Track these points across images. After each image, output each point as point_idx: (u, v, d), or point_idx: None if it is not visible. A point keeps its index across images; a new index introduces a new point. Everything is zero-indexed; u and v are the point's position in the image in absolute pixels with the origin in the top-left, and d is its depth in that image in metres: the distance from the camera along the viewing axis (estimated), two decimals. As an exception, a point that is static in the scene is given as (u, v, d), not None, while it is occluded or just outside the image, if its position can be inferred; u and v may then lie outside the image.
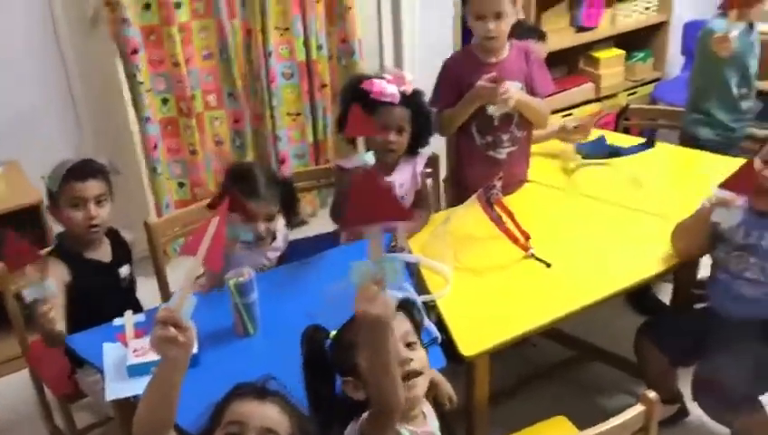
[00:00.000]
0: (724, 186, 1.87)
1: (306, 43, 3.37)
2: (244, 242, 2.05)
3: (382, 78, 2.22)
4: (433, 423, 1.59)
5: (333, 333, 1.55)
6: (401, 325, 1.52)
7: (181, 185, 3.35)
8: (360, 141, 2.11)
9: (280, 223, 2.17)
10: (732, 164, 2.01)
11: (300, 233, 3.35)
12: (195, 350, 1.72)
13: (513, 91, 2.28)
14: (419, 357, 1.51)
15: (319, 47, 3.41)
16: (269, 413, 1.28)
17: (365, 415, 1.41)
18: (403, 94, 2.21)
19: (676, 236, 2.09)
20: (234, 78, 3.25)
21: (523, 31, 2.62)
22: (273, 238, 2.17)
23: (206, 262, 1.25)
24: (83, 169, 2.03)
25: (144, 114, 3.10)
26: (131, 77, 3.03)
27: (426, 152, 2.41)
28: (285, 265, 2.19)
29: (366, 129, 2.03)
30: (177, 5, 3.05)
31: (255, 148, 3.48)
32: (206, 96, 3.29)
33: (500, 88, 2.23)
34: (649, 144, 2.68)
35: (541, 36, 2.79)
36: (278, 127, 3.45)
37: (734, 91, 2.80)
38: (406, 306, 1.58)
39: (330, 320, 1.58)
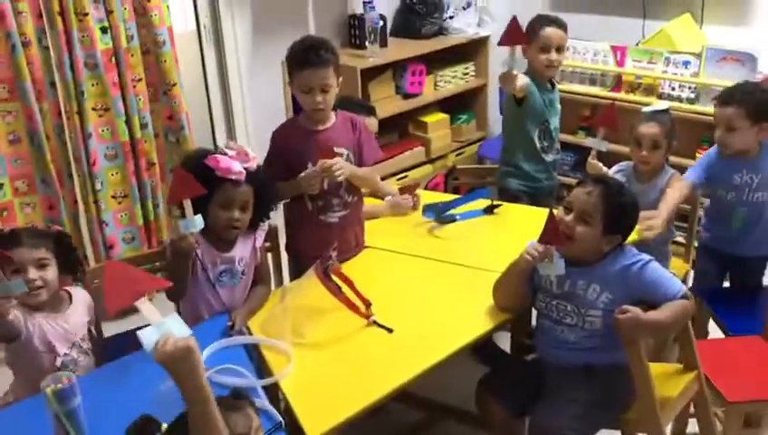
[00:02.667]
0: (541, 240, 1.99)
1: (129, 123, 3.25)
2: (18, 297, 1.91)
3: (225, 154, 2.16)
4: None
5: (165, 426, 1.44)
6: (252, 420, 1.46)
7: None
8: (188, 210, 2.02)
9: (79, 294, 2.17)
10: (539, 214, 2.13)
11: (137, 321, 3.17)
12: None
13: (344, 165, 2.34)
14: None
15: (143, 126, 3.30)
16: None
17: None
18: (247, 171, 2.17)
19: (496, 291, 2.17)
20: (46, 162, 3.04)
21: (352, 106, 2.69)
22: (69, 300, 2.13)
23: None
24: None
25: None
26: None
27: (264, 226, 2.37)
28: (115, 362, 2.03)
29: (192, 190, 2.00)
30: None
31: (74, 234, 3.25)
32: (15, 182, 3.06)
33: (330, 166, 2.28)
34: (489, 211, 2.75)
35: (370, 111, 2.86)
36: (103, 211, 3.27)
37: (537, 144, 3.00)
38: (241, 397, 1.51)
39: (165, 416, 1.47)
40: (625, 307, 1.91)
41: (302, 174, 2.33)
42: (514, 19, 2.56)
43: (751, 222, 2.65)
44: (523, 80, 2.79)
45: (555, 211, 2.07)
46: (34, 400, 1.75)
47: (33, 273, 1.97)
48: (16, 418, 1.81)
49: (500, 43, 2.59)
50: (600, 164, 2.82)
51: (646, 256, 2.05)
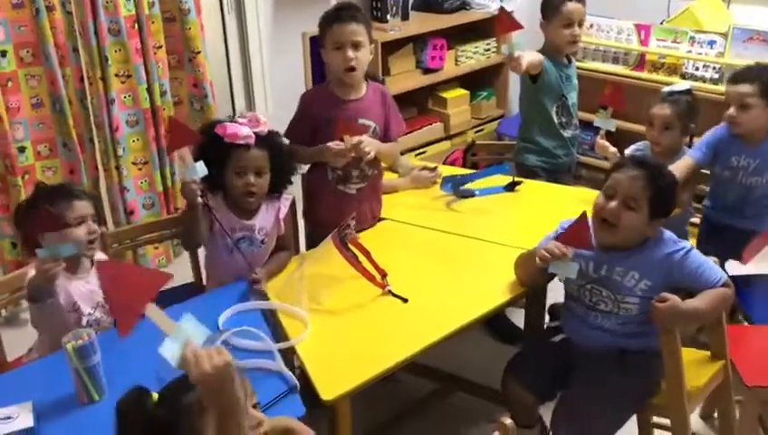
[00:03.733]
0: (562, 240, 1.96)
1: (150, 90, 3.27)
2: (67, 259, 1.92)
3: (235, 121, 2.18)
4: None
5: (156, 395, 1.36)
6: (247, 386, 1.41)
7: (14, 245, 3.10)
8: (188, 159, 2.05)
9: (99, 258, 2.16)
10: (557, 190, 2.11)
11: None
12: (31, 424, 1.59)
13: (372, 142, 2.35)
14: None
15: (162, 93, 3.32)
16: None
17: None
18: (258, 135, 2.18)
19: (518, 267, 2.16)
20: (68, 127, 3.07)
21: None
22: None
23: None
24: None
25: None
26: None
27: (289, 196, 2.37)
28: (139, 322, 2.06)
29: (188, 139, 2.03)
30: (3, 54, 2.87)
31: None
32: (38, 146, 3.10)
33: (358, 143, 2.29)
34: (511, 188, 2.73)
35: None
36: (125, 177, 3.30)
37: (555, 119, 2.98)
38: None
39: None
40: (664, 295, 1.86)
41: (331, 145, 2.31)
42: (502, 9, 2.61)
43: (743, 200, 2.68)
44: (531, 57, 2.77)
45: (588, 213, 1.98)
46: (56, 356, 1.80)
47: (92, 226, 2.03)
48: (39, 373, 1.86)
49: (495, 33, 2.60)
50: (608, 144, 2.80)
51: (687, 244, 2.00)
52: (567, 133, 3.03)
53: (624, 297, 2.00)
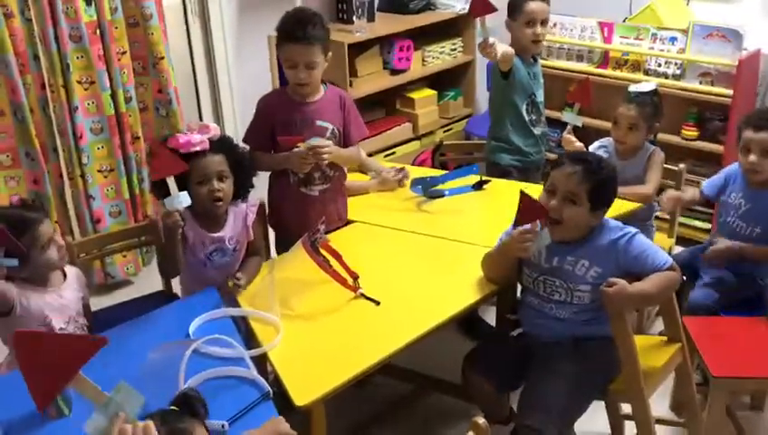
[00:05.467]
0: (517, 223, 2.02)
1: (114, 97, 3.22)
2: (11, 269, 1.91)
3: (186, 133, 2.19)
4: None
5: None
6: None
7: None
8: (173, 188, 2.03)
9: (71, 270, 2.16)
10: (531, 189, 2.15)
11: (124, 295, 3.18)
12: (-2, 441, 1.56)
13: (326, 145, 2.34)
14: None
15: (128, 99, 3.28)
16: None
17: None
18: (211, 141, 2.19)
19: (485, 265, 2.19)
20: (30, 136, 3.02)
21: None
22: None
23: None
24: None
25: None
26: None
27: (255, 202, 2.38)
28: (109, 331, 2.04)
29: (175, 167, 2.01)
30: (-39, 63, 2.82)
31: (59, 208, 3.24)
32: (0, 156, 3.04)
33: (317, 146, 2.30)
34: (479, 187, 2.76)
35: None
36: (90, 185, 3.25)
37: (526, 117, 3.01)
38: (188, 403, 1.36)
39: (150, 389, 1.47)
40: (611, 280, 1.94)
41: (293, 151, 2.33)
42: None
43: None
44: (504, 48, 2.79)
45: (537, 190, 2.07)
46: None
47: (59, 240, 2.03)
48: (7, 387, 1.82)
49: (471, 15, 2.60)
50: (575, 138, 2.84)
51: (632, 229, 2.07)
52: (537, 131, 3.06)
53: (576, 286, 2.05)
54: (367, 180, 2.84)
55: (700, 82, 3.51)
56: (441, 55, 4.36)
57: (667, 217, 3.02)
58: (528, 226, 2.01)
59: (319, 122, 2.42)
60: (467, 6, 4.28)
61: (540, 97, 3.05)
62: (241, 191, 2.30)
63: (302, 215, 2.28)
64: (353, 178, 2.78)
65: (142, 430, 1.14)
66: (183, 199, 2.05)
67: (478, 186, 2.75)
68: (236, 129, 3.74)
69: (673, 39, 3.56)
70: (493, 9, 2.65)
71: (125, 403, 1.19)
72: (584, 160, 2.06)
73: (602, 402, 2.22)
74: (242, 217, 2.31)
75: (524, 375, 2.10)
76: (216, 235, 2.25)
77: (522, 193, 2.01)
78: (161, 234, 2.59)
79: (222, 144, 2.23)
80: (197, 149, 2.14)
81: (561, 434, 1.94)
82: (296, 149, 2.33)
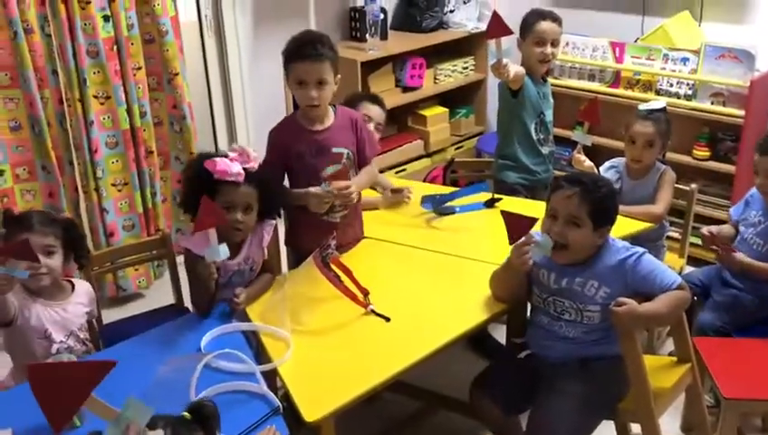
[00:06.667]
0: (511, 241, 2.04)
1: (129, 111, 3.26)
2: (21, 281, 1.93)
3: (226, 156, 2.16)
4: None
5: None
6: None
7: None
8: (213, 239, 2.02)
9: (81, 285, 2.18)
10: (537, 207, 2.16)
11: (136, 308, 3.20)
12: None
13: (352, 189, 2.33)
14: None
15: (143, 114, 3.32)
16: None
17: None
18: (248, 172, 2.15)
19: (492, 283, 2.19)
20: (47, 149, 3.06)
21: (360, 97, 2.78)
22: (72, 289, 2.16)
23: None
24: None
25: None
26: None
27: (271, 223, 2.34)
28: (120, 344, 2.06)
29: (217, 219, 2.01)
30: (-20, 77, 2.87)
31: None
32: (17, 169, 3.08)
33: (344, 188, 2.29)
34: (490, 205, 2.75)
35: (375, 100, 2.86)
36: (104, 198, 3.29)
37: (534, 136, 3.02)
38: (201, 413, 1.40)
39: (161, 403, 1.48)
40: (621, 299, 1.93)
41: (312, 191, 2.31)
42: (495, 14, 2.62)
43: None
44: (516, 68, 2.81)
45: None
46: (36, 382, 1.78)
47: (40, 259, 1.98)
48: (18, 400, 1.83)
49: (486, 37, 2.62)
50: (585, 158, 2.84)
51: (640, 249, 2.07)
52: (545, 150, 3.07)
53: (586, 306, 2.06)
54: (376, 196, 2.85)
55: (712, 103, 3.51)
56: (453, 73, 4.39)
57: (678, 237, 3.02)
58: (523, 239, 2.02)
59: (334, 149, 2.40)
60: (480, 25, 4.34)
61: (549, 117, 3.07)
62: (264, 217, 2.28)
63: (321, 239, 2.22)
64: (363, 195, 2.79)
65: None
66: (222, 252, 2.03)
67: (490, 203, 2.76)
68: (250, 145, 3.76)
69: (685, 60, 3.57)
70: (509, 32, 2.67)
71: (135, 417, 1.23)
72: (580, 182, 2.05)
73: (611, 422, 2.21)
74: (258, 239, 2.29)
75: (532, 397, 2.08)
76: (234, 261, 2.21)
77: (503, 212, 2.04)
78: (173, 249, 2.62)
79: (257, 178, 2.18)
80: (232, 179, 2.11)
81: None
82: (313, 190, 2.31)
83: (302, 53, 2.28)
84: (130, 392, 1.40)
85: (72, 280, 2.20)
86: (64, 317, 2.08)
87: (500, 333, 2.80)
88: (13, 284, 1.88)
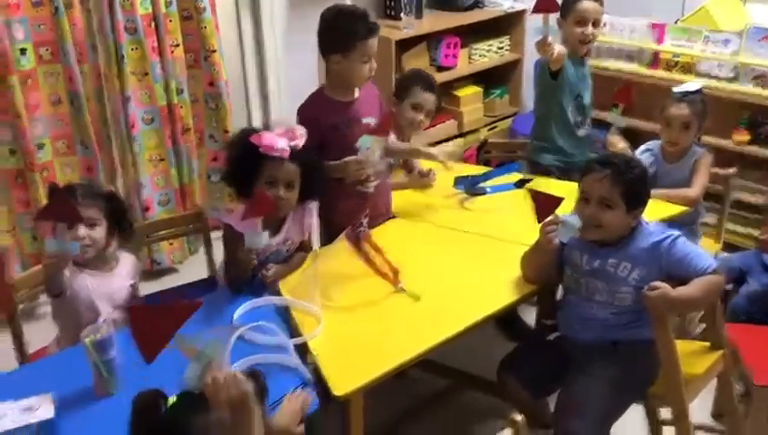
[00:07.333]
0: (539, 219, 2.05)
1: (166, 88, 3.30)
2: (71, 257, 1.96)
3: (271, 131, 2.16)
4: None
5: (172, 399, 1.38)
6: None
7: (35, 238, 3.15)
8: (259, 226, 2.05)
9: (126, 258, 2.21)
10: (570, 188, 2.15)
11: (170, 282, 3.26)
12: (52, 415, 1.63)
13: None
14: None
15: (179, 91, 3.36)
16: None
17: None
18: (293, 149, 2.15)
19: (523, 264, 2.19)
20: (85, 124, 3.12)
21: (416, 82, 2.77)
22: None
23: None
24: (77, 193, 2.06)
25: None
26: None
27: (313, 205, 2.35)
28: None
29: (268, 210, 2.03)
30: (23, 51, 2.92)
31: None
32: (56, 142, 3.14)
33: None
34: (521, 185, 2.72)
35: (429, 87, 2.82)
36: (141, 174, 3.34)
37: (571, 118, 2.99)
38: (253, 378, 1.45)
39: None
40: (654, 283, 1.91)
41: (350, 159, 2.33)
42: None
43: None
44: (560, 48, 2.77)
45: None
46: (75, 349, 1.85)
47: (82, 230, 2.02)
48: (58, 365, 1.91)
49: (533, 11, 2.58)
50: (620, 139, 2.80)
51: (675, 232, 2.05)
52: (581, 132, 3.03)
53: (618, 287, 2.04)
54: (401, 176, 2.84)
55: (754, 86, 3.43)
56: (488, 53, 4.35)
57: (714, 222, 2.97)
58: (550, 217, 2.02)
59: (364, 120, 2.43)
60: (516, 5, 4.28)
61: (587, 99, 3.03)
62: (304, 199, 2.27)
63: (354, 210, 2.26)
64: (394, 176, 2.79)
65: (230, 376, 1.28)
66: (264, 241, 2.07)
67: (520, 184, 2.74)
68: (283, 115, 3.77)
69: (727, 41, 3.48)
70: (557, 8, 2.63)
71: (214, 355, 1.33)
72: (612, 163, 2.03)
73: (640, 405, 2.20)
74: (299, 222, 2.30)
75: (561, 379, 2.08)
76: (274, 241, 2.22)
77: (531, 191, 2.05)
78: (208, 224, 2.65)
79: (302, 156, 2.17)
80: (277, 154, 2.12)
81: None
82: (349, 159, 2.33)
83: (371, 28, 2.32)
84: (166, 361, 1.44)
85: (116, 252, 2.23)
86: (110, 289, 2.13)
87: (530, 316, 2.80)
88: (68, 260, 1.93)
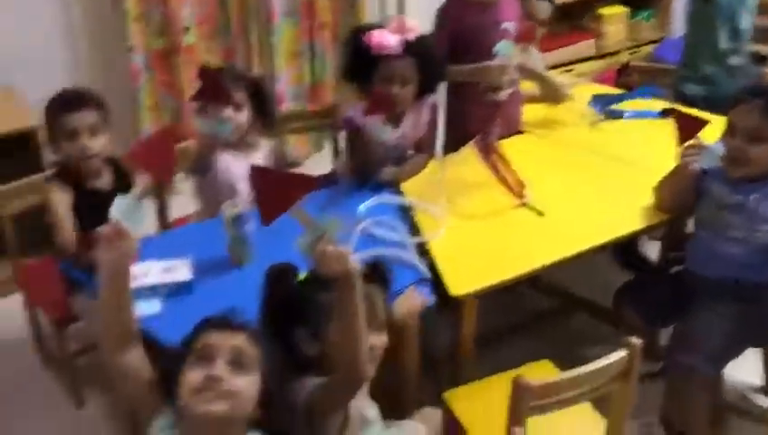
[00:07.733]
0: (680, 141, 1.97)
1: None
2: (222, 138, 2.05)
3: (382, 28, 2.15)
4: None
5: (303, 275, 1.48)
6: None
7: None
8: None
9: (265, 145, 2.24)
10: (714, 120, 2.03)
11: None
12: (190, 277, 1.77)
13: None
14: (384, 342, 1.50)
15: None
16: (238, 341, 1.26)
17: (318, 381, 1.39)
18: (406, 43, 2.13)
19: (658, 190, 2.11)
20: (229, 11, 3.19)
21: None
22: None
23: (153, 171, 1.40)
24: (74, 100, 2.03)
25: (129, 43, 3.03)
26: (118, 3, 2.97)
27: (430, 101, 2.35)
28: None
29: (386, 107, 2.06)
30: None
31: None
32: (201, 26, 3.24)
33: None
34: (665, 114, 2.59)
35: None
36: (276, 66, 3.42)
37: (723, 44, 2.78)
38: (377, 269, 1.53)
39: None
40: None
41: (490, 63, 2.28)
42: None
43: None
44: None
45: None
46: (214, 221, 1.98)
47: (228, 112, 2.09)
48: (197, 234, 2.07)
49: None
50: None
51: None
52: (734, 61, 2.81)
53: (757, 225, 1.94)
54: (531, 88, 2.76)
55: None
56: (640, -30, 4.08)
57: None
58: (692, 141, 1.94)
59: (504, 25, 2.36)
60: None
61: (744, 24, 2.78)
62: (423, 93, 2.26)
63: (485, 118, 2.24)
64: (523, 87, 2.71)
65: (338, 251, 1.29)
66: (385, 135, 2.15)
67: (666, 113, 2.60)
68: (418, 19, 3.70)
69: None
70: None
71: (329, 229, 1.33)
72: (764, 93, 1.90)
73: (757, 350, 2.13)
74: (416, 117, 2.31)
75: (678, 314, 2.04)
76: (393, 136, 2.24)
77: (674, 111, 1.96)
78: (338, 121, 2.69)
79: (416, 48, 2.14)
80: (388, 52, 2.10)
81: (710, 374, 1.90)
82: (492, 63, 2.27)
83: None
84: (289, 247, 1.46)
85: (257, 138, 2.27)
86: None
87: (649, 251, 2.73)
88: (219, 143, 2.02)
